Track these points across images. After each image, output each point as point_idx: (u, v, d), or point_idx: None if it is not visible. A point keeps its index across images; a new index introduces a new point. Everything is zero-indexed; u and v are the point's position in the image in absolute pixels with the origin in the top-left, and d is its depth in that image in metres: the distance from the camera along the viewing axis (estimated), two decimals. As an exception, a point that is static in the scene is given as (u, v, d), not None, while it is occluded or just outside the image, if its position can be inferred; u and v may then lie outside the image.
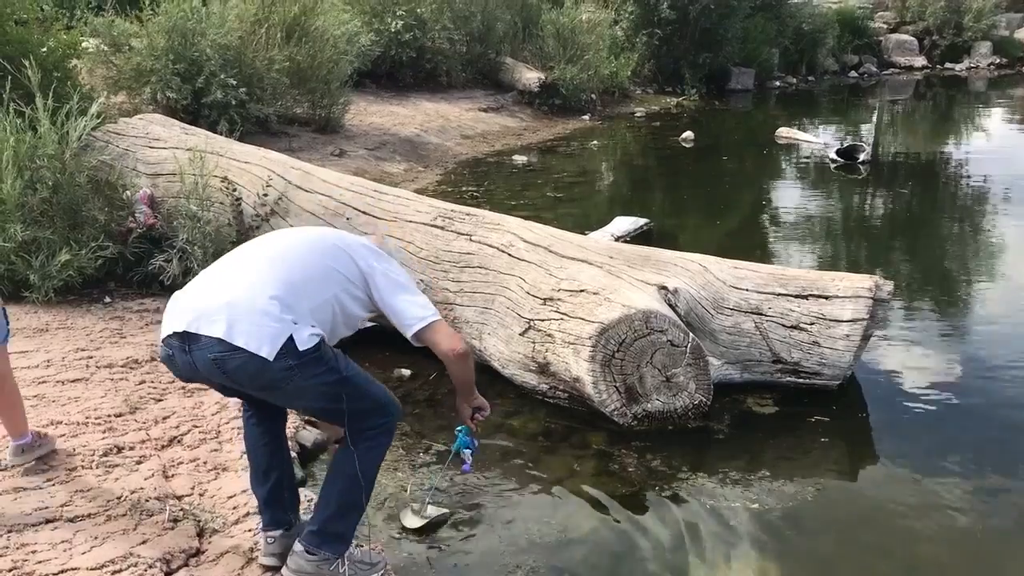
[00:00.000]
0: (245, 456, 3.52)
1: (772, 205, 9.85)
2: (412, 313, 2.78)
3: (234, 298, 2.55)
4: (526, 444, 4.15)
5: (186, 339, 2.55)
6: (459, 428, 3.25)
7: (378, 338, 5.12)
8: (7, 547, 2.75)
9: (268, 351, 2.48)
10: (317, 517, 2.80)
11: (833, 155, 11.83)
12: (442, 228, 4.95)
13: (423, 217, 5.03)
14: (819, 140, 13.44)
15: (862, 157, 11.52)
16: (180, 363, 2.61)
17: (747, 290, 4.57)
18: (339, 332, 2.81)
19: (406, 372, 4.72)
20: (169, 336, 2.60)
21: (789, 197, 10.05)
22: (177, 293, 2.71)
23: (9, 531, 2.82)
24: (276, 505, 2.92)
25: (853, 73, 25.00)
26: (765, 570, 3.24)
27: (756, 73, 20.90)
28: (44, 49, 7.92)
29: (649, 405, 4.18)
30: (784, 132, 13.69)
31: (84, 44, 9.62)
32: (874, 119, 13.14)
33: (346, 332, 2.85)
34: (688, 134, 13.52)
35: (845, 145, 12.10)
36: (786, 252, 7.70)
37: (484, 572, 3.19)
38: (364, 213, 5.10)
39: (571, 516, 3.57)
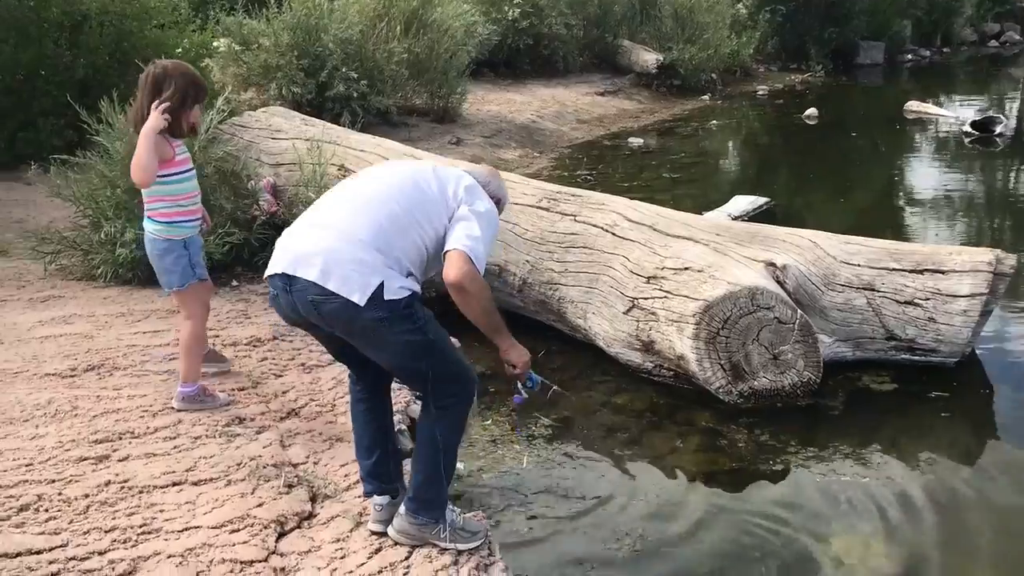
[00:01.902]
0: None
1: (901, 181, 9.48)
2: (450, 241, 2.74)
3: (329, 244, 2.65)
4: (631, 421, 4.18)
5: (287, 280, 2.67)
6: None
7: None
8: (138, 506, 2.97)
9: (359, 297, 2.57)
10: (411, 485, 2.91)
11: (967, 128, 11.27)
12: (547, 210, 5.01)
13: (529, 199, 5.11)
14: (951, 113, 12.83)
15: (999, 129, 10.93)
16: (284, 303, 2.74)
17: (859, 265, 4.46)
18: (432, 267, 2.84)
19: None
20: (273, 276, 2.73)
21: (919, 173, 9.66)
22: (284, 234, 2.81)
23: (140, 492, 3.05)
24: (381, 476, 3.03)
25: (993, 43, 23.70)
26: (870, 545, 3.18)
27: (886, 47, 20.07)
28: (179, 50, 8.39)
29: (756, 383, 4.14)
30: (914, 106, 13.12)
31: (216, 44, 10.12)
32: (1020, 90, 12.45)
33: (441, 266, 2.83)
34: (812, 111, 13.14)
35: (980, 117, 11.51)
36: (917, 229, 7.43)
37: (587, 544, 3.24)
38: (472, 196, 5.21)
39: (675, 490, 3.59)
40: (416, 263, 2.76)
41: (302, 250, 2.68)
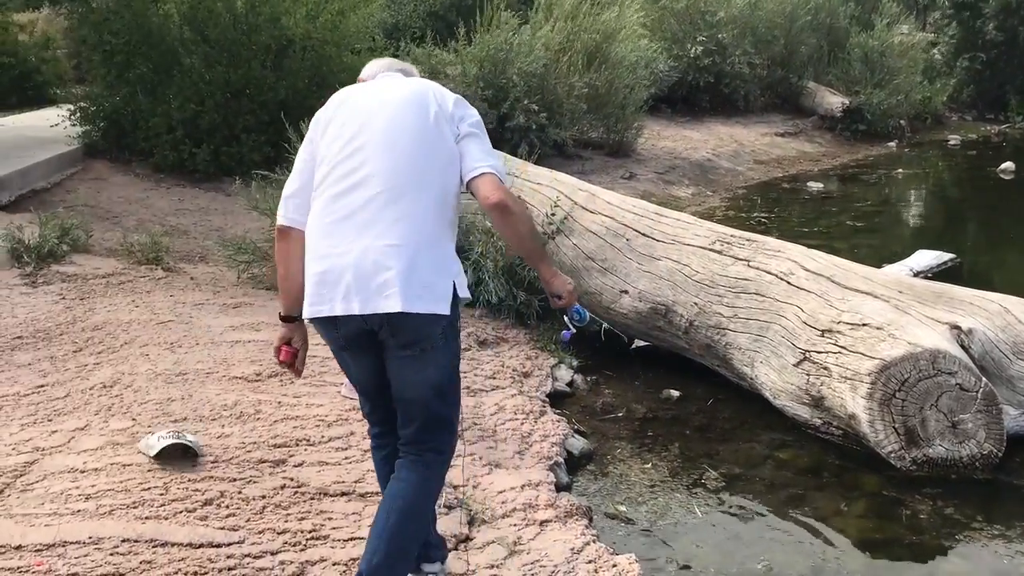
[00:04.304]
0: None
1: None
2: (473, 163, 2.52)
3: (402, 254, 2.40)
4: (794, 478, 4.05)
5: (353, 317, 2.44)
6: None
7: (648, 356, 5.22)
8: (309, 512, 3.14)
9: (444, 306, 2.43)
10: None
11: None
12: (719, 252, 4.95)
13: (701, 241, 5.06)
14: None
15: None
16: (342, 330, 2.49)
17: (1055, 336, 4.18)
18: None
19: (675, 393, 4.76)
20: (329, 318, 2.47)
21: None
22: (316, 251, 2.49)
23: (312, 498, 3.22)
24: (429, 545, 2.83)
25: None
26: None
27: (1099, 98, 18.67)
28: (372, 76, 8.83)
29: (931, 450, 3.94)
30: None
31: (406, 72, 10.58)
32: None
33: None
34: (1008, 165, 12.39)
35: None
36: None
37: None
38: (643, 235, 5.22)
39: (840, 556, 3.43)
40: (454, 224, 2.60)
41: (368, 276, 2.40)
